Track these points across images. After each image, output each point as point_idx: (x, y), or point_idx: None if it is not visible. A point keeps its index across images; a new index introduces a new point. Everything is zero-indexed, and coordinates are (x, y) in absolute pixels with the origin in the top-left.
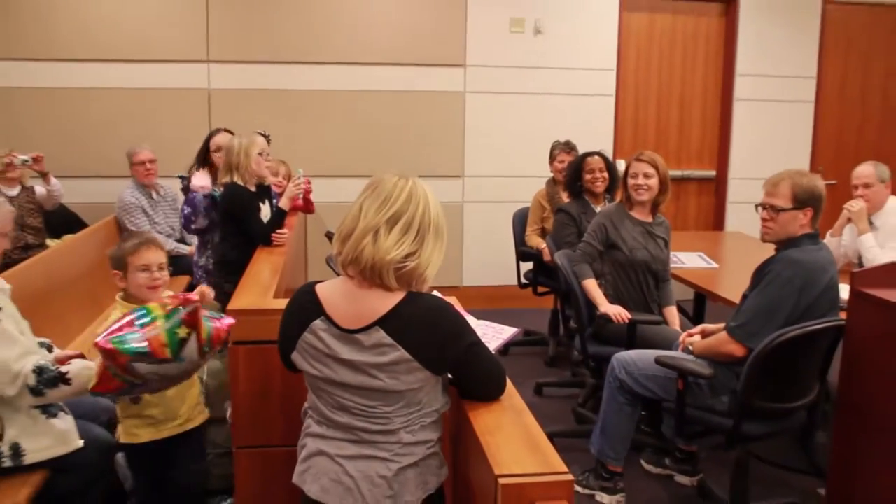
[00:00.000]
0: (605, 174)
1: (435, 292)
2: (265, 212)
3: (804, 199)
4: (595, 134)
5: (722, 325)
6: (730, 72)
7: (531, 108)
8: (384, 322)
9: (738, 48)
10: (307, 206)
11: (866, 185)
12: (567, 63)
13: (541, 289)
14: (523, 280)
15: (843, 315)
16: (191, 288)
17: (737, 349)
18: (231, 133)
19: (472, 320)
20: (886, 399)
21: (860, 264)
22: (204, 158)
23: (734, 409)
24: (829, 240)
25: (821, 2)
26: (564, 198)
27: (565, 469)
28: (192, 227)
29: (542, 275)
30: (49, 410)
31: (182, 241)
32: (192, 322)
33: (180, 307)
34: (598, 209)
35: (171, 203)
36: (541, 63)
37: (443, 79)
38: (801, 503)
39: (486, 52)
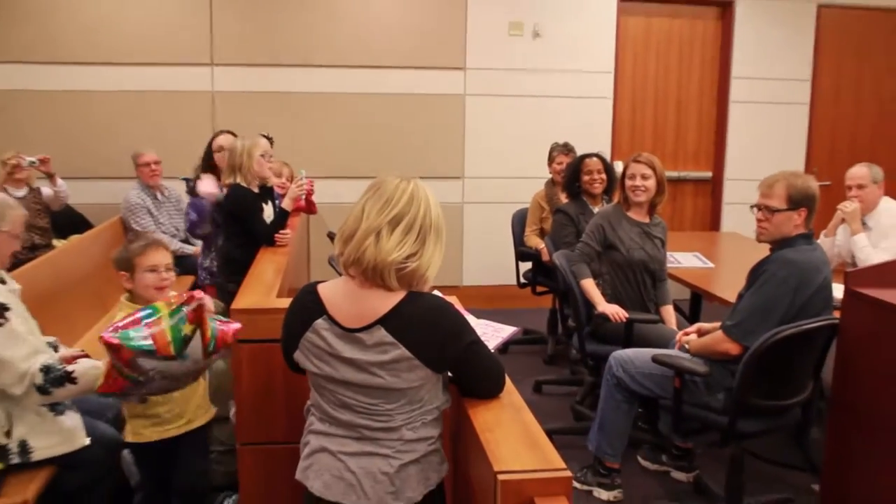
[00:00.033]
0: (603, 175)
1: (436, 292)
2: (268, 212)
3: (798, 200)
4: (593, 136)
5: (718, 324)
6: (725, 74)
7: (530, 110)
8: (385, 321)
9: (733, 51)
10: (309, 207)
11: (860, 186)
12: (565, 66)
13: (539, 288)
14: (522, 280)
15: (836, 314)
16: (195, 288)
17: (732, 347)
18: (234, 135)
19: (471, 319)
20: (879, 396)
21: (853, 264)
22: (208, 161)
23: (730, 407)
24: (823, 240)
25: (815, 6)
26: (563, 199)
27: (563, 465)
28: (198, 231)
29: (541, 274)
30: (57, 408)
31: (186, 241)
32: (196, 319)
33: (184, 304)
34: (595, 210)
35: (175, 204)
36: (539, 66)
37: (443, 82)
38: (796, 499)
39: (486, 55)
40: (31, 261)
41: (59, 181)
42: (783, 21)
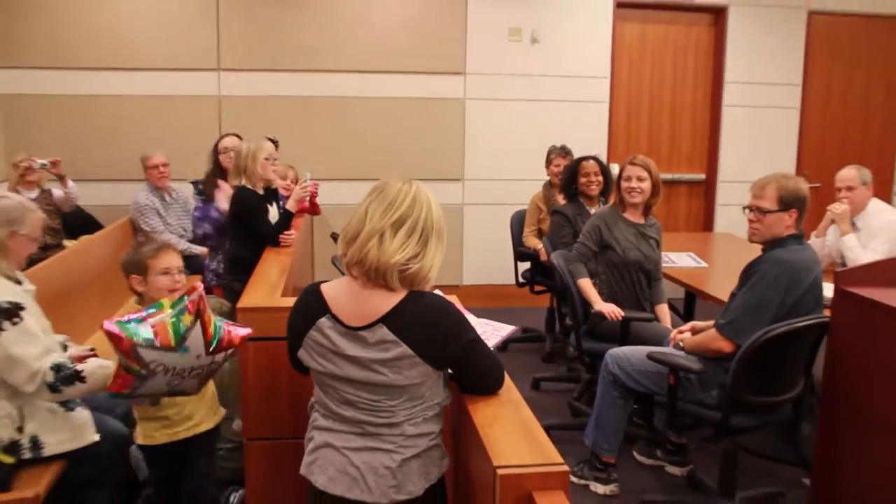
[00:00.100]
0: (600, 178)
1: (437, 291)
2: (273, 214)
3: (789, 202)
4: (590, 139)
5: (711, 323)
6: (719, 79)
7: (528, 114)
8: (387, 319)
9: (726, 57)
10: (313, 209)
11: (849, 188)
12: (563, 71)
13: (538, 288)
14: (521, 279)
15: (827, 312)
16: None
17: (725, 345)
18: (239, 138)
19: (471, 318)
20: (869, 392)
21: (843, 264)
22: (217, 167)
23: (723, 403)
24: (813, 240)
25: (806, 13)
26: (560, 200)
27: (561, 460)
28: (209, 243)
29: (539, 274)
30: (67, 405)
31: (194, 241)
32: (196, 310)
33: (185, 296)
34: (592, 211)
35: (182, 205)
36: (537, 71)
37: (443, 86)
38: (787, 493)
39: (485, 60)
40: (42, 261)
41: (70, 183)
42: (775, 27)
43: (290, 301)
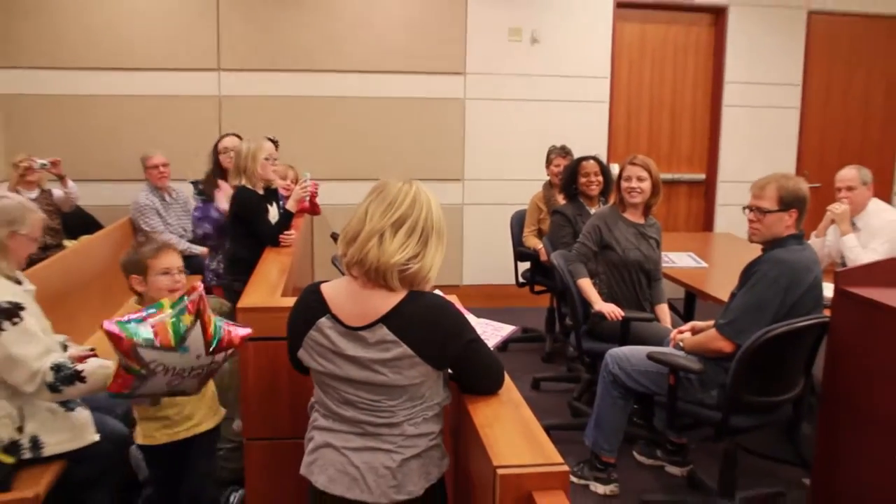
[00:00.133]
0: (600, 178)
1: (437, 291)
2: (273, 214)
3: (789, 202)
4: (590, 139)
5: (711, 323)
6: (719, 79)
7: (528, 114)
8: (387, 319)
9: (726, 57)
10: (313, 209)
11: (849, 188)
12: (562, 71)
13: (538, 288)
14: (521, 279)
15: (827, 312)
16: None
17: (725, 345)
18: (239, 138)
19: (471, 318)
20: (869, 392)
21: (843, 264)
22: (217, 167)
23: (723, 403)
24: (813, 240)
25: (806, 13)
26: (560, 200)
27: (561, 460)
28: (209, 243)
29: (539, 274)
30: (67, 405)
31: (194, 241)
32: (196, 310)
33: (185, 296)
34: (592, 211)
35: (182, 205)
36: (537, 71)
37: (444, 86)
38: (787, 492)
39: (486, 60)
40: (42, 261)
41: (70, 183)
42: (775, 27)
43: (290, 301)
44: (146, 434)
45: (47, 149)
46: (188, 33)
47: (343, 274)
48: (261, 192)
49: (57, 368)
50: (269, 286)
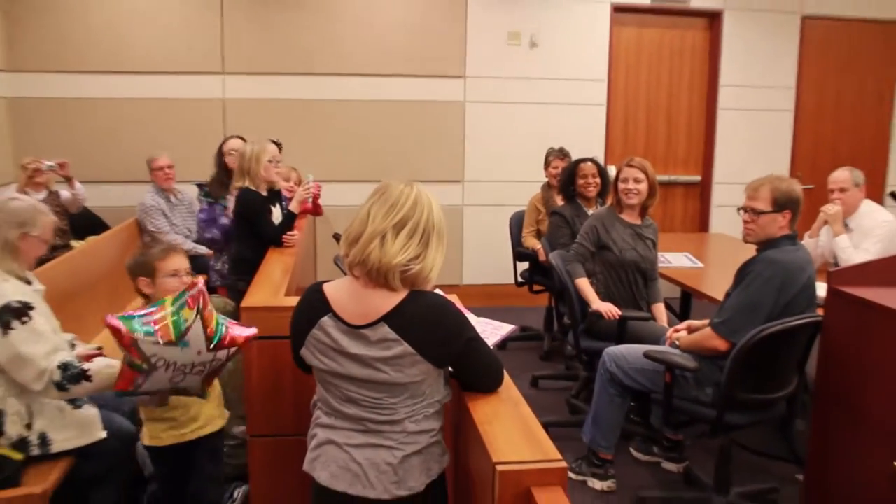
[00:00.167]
0: (598, 179)
1: (437, 290)
2: (276, 214)
3: (783, 203)
4: (587, 141)
5: (707, 322)
6: (714, 83)
7: (527, 116)
8: (389, 318)
9: (721, 61)
10: (316, 209)
11: (842, 190)
12: (561, 74)
13: (536, 287)
14: (520, 279)
15: (820, 311)
16: (207, 290)
17: (721, 344)
18: (243, 140)
19: (471, 318)
20: (861, 390)
21: (836, 264)
22: (223, 169)
23: (718, 401)
24: (806, 241)
25: (799, 18)
26: (559, 201)
27: (559, 457)
28: (215, 247)
29: (538, 274)
30: (75, 402)
31: (198, 241)
32: (196, 305)
33: (185, 291)
34: (590, 212)
35: (187, 206)
36: (536, 74)
37: (444, 89)
38: (781, 488)
39: (485, 64)
40: (50, 261)
41: (77, 184)
42: (769, 32)
43: (293, 301)
44: (152, 435)
45: (55, 151)
46: (193, 38)
47: (345, 274)
48: (264, 193)
49: (64, 367)
50: (272, 286)
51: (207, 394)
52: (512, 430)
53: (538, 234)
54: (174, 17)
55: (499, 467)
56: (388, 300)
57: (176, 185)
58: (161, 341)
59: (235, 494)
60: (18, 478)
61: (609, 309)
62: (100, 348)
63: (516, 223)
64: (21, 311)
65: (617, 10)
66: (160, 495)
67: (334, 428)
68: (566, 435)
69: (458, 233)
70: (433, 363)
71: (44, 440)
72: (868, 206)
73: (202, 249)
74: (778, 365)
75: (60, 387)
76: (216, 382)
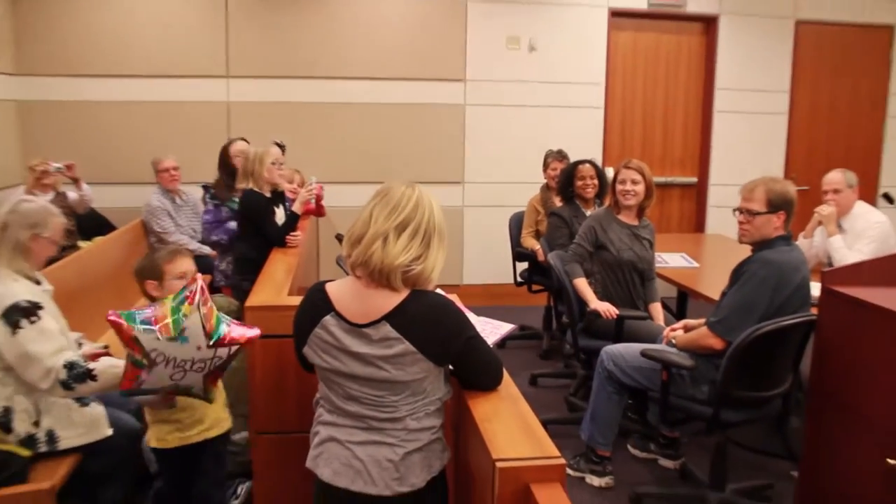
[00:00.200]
0: (596, 181)
1: (438, 290)
2: (280, 215)
3: (778, 204)
4: (585, 143)
5: (703, 321)
6: (710, 86)
7: (526, 119)
8: (390, 317)
9: (717, 64)
10: (318, 211)
11: (835, 191)
12: (559, 78)
13: (535, 287)
14: (519, 279)
15: (814, 311)
16: (211, 289)
17: (716, 342)
18: (246, 142)
19: (472, 317)
20: (854, 387)
21: (830, 264)
22: (227, 170)
23: (714, 398)
24: (801, 241)
25: (793, 22)
26: (557, 202)
27: (558, 454)
28: (212, 237)
29: (537, 274)
30: (82, 400)
31: (203, 242)
32: (194, 300)
33: (185, 287)
34: (588, 213)
35: (192, 207)
36: (535, 78)
37: (444, 92)
38: (776, 484)
39: (485, 67)
40: (57, 261)
41: (84, 186)
42: (764, 36)
43: (296, 300)
44: (158, 437)
45: (62, 153)
46: (198, 42)
47: (347, 274)
48: (268, 194)
49: (70, 366)
50: (275, 286)
51: (212, 397)
52: (511, 427)
53: (537, 235)
54: (179, 22)
55: (498, 464)
56: (390, 299)
57: (181, 186)
58: (160, 336)
59: (239, 490)
60: (26, 474)
61: (607, 308)
62: (106, 347)
63: (515, 224)
64: (30, 311)
65: (614, 14)
66: (165, 492)
67: (337, 425)
68: (565, 432)
69: (458, 233)
70: (434, 361)
71: (51, 437)
72: (861, 207)
73: (206, 250)
74: (773, 363)
75: (66, 385)
76: (220, 385)
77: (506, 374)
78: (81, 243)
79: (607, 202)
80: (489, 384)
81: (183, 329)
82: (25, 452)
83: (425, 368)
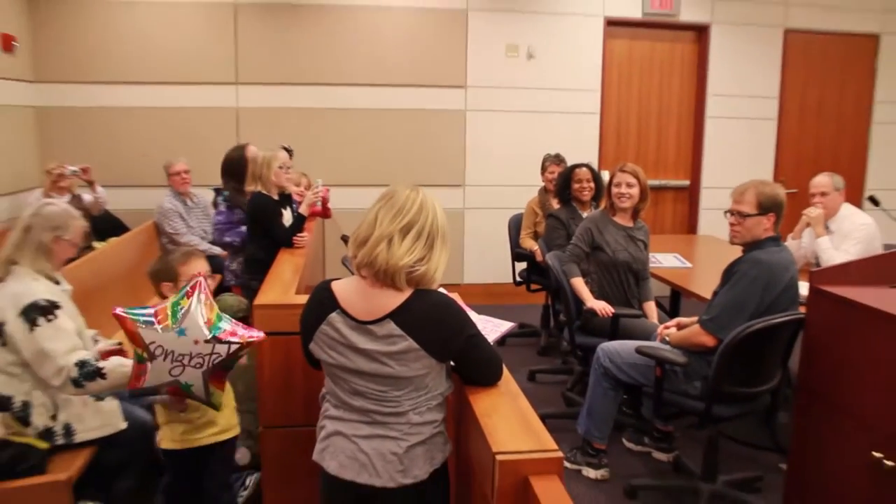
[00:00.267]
0: (592, 184)
1: (441, 289)
2: (287, 217)
3: (767, 206)
4: (582, 148)
5: (695, 319)
6: (702, 92)
7: (525, 124)
8: (395, 315)
9: (709, 71)
10: (325, 212)
11: (823, 194)
12: (556, 84)
13: (533, 286)
14: (518, 278)
15: (802, 309)
16: (221, 288)
17: (708, 340)
18: (243, 146)
19: (473, 315)
20: (840, 383)
21: (818, 264)
22: (228, 171)
23: (706, 393)
24: (790, 242)
25: (783, 31)
26: (555, 205)
27: (556, 447)
28: (225, 238)
29: (535, 274)
30: (98, 395)
31: (214, 243)
32: (193, 293)
33: (186, 283)
34: (584, 215)
35: (203, 209)
36: (533, 84)
37: (446, 98)
38: (765, 476)
39: (485, 74)
40: (73, 261)
41: (99, 188)
42: (754, 44)
43: (303, 298)
44: (168, 438)
45: (78, 157)
46: (208, 50)
47: (353, 274)
48: (275, 197)
49: (81, 364)
50: (283, 285)
51: (216, 402)
52: (511, 421)
53: (535, 236)
54: (190, 32)
55: (498, 457)
56: (395, 298)
57: (192, 189)
58: (159, 327)
59: (247, 482)
60: (44, 466)
61: (603, 307)
62: (119, 344)
63: (514, 225)
64: (48, 310)
65: (610, 23)
66: (176, 486)
67: (342, 420)
68: (562, 426)
69: (459, 234)
70: (436, 358)
71: (68, 430)
72: (848, 209)
73: (217, 250)
74: (763, 360)
75: (77, 383)
76: (230, 390)
77: (505, 371)
78: (96, 244)
79: (603, 204)
80: (489, 380)
81: (181, 320)
82: (43, 445)
83: (428, 365)
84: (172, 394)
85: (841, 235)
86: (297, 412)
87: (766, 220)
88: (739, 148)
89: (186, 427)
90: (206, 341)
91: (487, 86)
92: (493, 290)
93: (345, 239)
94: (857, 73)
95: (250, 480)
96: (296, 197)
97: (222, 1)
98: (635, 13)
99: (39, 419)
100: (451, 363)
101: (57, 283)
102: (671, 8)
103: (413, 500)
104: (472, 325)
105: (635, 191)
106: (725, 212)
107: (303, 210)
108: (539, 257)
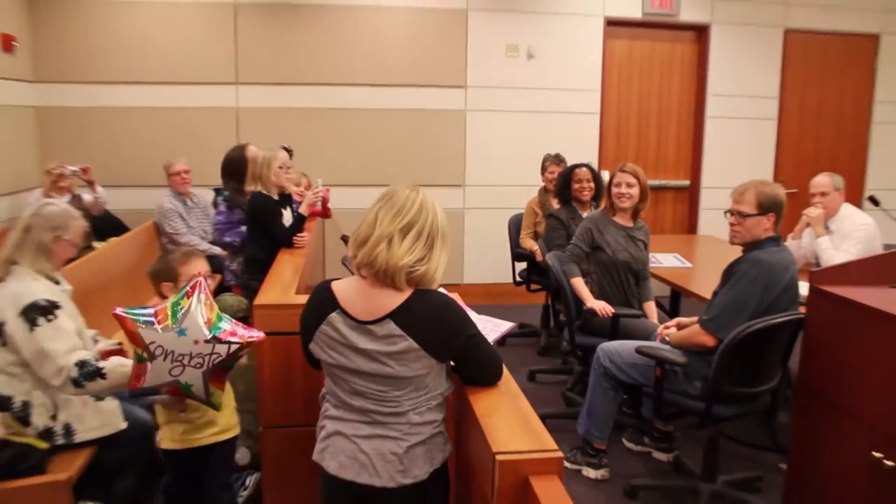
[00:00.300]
0: (592, 184)
1: (441, 289)
2: (287, 217)
3: (767, 206)
4: (582, 148)
5: (695, 319)
6: (702, 92)
7: (525, 124)
8: (395, 315)
9: (709, 71)
10: (325, 212)
11: (823, 194)
12: (556, 84)
13: (533, 286)
14: (518, 278)
15: (802, 309)
16: (221, 288)
17: (708, 340)
18: (241, 147)
19: (473, 315)
20: (840, 383)
21: (818, 264)
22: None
23: (706, 393)
24: (790, 242)
25: (783, 31)
26: (555, 205)
27: (556, 447)
28: (225, 238)
29: (535, 274)
30: (98, 395)
31: (214, 243)
32: (193, 293)
33: (186, 283)
34: (584, 215)
35: (203, 209)
36: (533, 84)
37: (446, 98)
38: (765, 476)
39: (485, 74)
40: (73, 261)
41: (99, 188)
42: (754, 44)
43: (303, 298)
44: (168, 438)
45: (78, 157)
46: (208, 51)
47: (353, 273)
48: (275, 197)
49: (81, 364)
50: (283, 285)
51: (216, 402)
52: (511, 421)
53: (535, 236)
54: (190, 32)
55: (498, 457)
56: (395, 298)
57: (192, 189)
58: (159, 327)
59: (247, 482)
60: (44, 466)
61: (603, 307)
62: (120, 344)
63: (514, 225)
64: (48, 310)
65: (610, 23)
66: (175, 486)
67: (342, 420)
68: (562, 426)
69: (459, 234)
70: (436, 358)
71: (68, 430)
72: (848, 209)
73: (217, 250)
74: (763, 360)
75: (76, 383)
76: (230, 390)
77: (505, 371)
78: (96, 244)
79: (603, 204)
80: (489, 380)
81: (181, 319)
82: (43, 445)
83: (427, 365)
84: (172, 394)
85: (841, 235)
86: (297, 412)
87: (766, 220)
88: (739, 148)
89: (186, 427)
90: (206, 341)
91: (487, 86)
92: (493, 290)
93: (345, 239)
94: (857, 73)
95: (250, 480)
96: (296, 197)
97: (222, 1)
98: (635, 13)
99: (39, 419)
100: (451, 363)
101: (57, 283)
102: (671, 8)
103: (413, 500)
104: (472, 325)
105: (635, 191)
106: (725, 212)
107: (303, 210)
108: (539, 257)
